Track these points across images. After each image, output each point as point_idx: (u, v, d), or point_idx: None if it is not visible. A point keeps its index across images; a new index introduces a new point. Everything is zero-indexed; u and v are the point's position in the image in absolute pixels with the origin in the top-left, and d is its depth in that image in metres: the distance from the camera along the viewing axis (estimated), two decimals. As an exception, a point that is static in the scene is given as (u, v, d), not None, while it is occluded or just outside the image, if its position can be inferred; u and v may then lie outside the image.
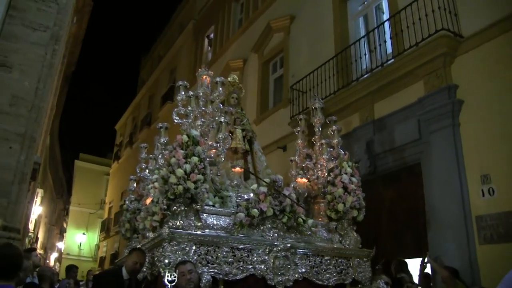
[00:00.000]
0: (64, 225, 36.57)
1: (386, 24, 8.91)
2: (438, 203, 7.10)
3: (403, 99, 8.05)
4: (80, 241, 33.64)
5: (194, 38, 21.38)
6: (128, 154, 27.89)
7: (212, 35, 19.99)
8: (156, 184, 6.18)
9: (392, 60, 8.41)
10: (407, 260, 6.81)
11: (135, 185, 7.84)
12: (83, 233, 33.18)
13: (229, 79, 7.44)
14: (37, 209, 20.84)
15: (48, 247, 31.62)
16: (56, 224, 34.90)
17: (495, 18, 6.83)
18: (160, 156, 6.54)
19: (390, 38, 8.57)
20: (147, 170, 7.42)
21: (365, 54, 9.14)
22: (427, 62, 7.57)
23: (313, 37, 11.65)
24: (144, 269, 5.19)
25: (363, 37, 9.49)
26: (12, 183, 6.44)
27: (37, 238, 23.23)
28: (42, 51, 7.64)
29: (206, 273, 4.55)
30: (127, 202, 7.40)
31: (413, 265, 6.88)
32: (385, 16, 9.75)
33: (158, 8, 64.47)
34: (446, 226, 6.88)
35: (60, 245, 34.68)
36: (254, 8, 15.80)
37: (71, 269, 9.31)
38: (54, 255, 33.36)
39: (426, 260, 6.50)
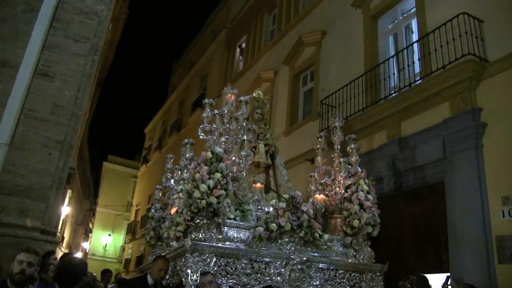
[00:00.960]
0: (90, 225, 37.10)
1: (415, 45, 9.21)
2: (459, 221, 7.36)
3: (429, 119, 8.32)
4: (105, 242, 34.06)
5: (226, 46, 21.77)
6: (156, 157, 28.28)
7: (244, 45, 20.37)
8: (180, 195, 6.49)
9: (420, 80, 8.69)
10: (428, 276, 7.04)
11: (160, 194, 8.08)
12: (109, 234, 33.53)
13: (253, 94, 7.72)
14: (65, 209, 21.31)
15: (73, 246, 32.08)
16: (82, 224, 35.39)
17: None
18: (185, 170, 6.84)
19: (419, 59, 8.87)
20: (172, 180, 7.69)
21: (394, 74, 9.44)
22: (453, 84, 7.86)
23: (343, 53, 11.97)
24: (167, 276, 5.46)
25: (393, 56, 9.80)
26: (50, 188, 6.62)
27: (63, 238, 23.68)
28: (83, 61, 7.84)
29: (225, 284, 4.82)
30: (152, 210, 7.68)
31: (434, 281, 7.13)
32: (415, 35, 10.05)
33: (191, 15, 65.39)
34: (467, 244, 7.13)
35: (85, 245, 35.19)
36: (287, 21, 16.16)
37: (106, 274, 9.66)
38: (79, 255, 33.79)
39: (449, 281, 6.72)
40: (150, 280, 5.17)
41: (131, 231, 29.43)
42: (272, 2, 17.90)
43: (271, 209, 5.75)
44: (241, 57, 20.66)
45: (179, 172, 7.53)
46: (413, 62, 8.98)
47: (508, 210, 6.78)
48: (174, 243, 6.00)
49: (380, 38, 11.06)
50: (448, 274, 6.76)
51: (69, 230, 27.68)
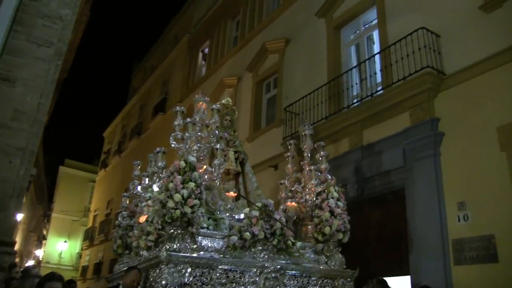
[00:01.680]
0: (44, 232, 35.92)
1: (377, 56, 9.58)
2: (419, 226, 7.74)
3: (390, 128, 8.68)
4: (61, 249, 32.95)
5: (189, 51, 21.76)
6: (116, 162, 27.92)
7: (206, 50, 20.38)
8: (149, 202, 6.47)
9: (381, 91, 9.07)
10: (391, 278, 7.30)
11: (127, 201, 7.90)
12: (65, 241, 32.51)
13: (223, 101, 7.73)
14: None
15: (25, 254, 30.99)
16: (35, 231, 34.31)
17: (474, 59, 7.56)
18: (156, 178, 6.79)
19: (380, 70, 9.24)
20: (139, 187, 7.58)
21: (356, 84, 9.79)
22: (413, 95, 8.25)
23: (307, 61, 12.26)
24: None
25: (355, 66, 10.16)
26: (10, 197, 6.54)
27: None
28: (46, 66, 7.75)
29: None
30: (119, 218, 7.52)
31: (396, 284, 7.47)
32: (376, 46, 10.43)
33: (154, 18, 64.79)
34: (426, 248, 7.51)
35: (39, 252, 34.01)
36: (250, 27, 16.34)
37: (70, 284, 9.44)
38: (30, 263, 32.55)
39: None
40: None
41: (89, 237, 28.76)
42: (236, 9, 18.05)
43: (242, 216, 5.79)
44: (203, 62, 20.70)
45: (147, 179, 7.47)
46: (375, 73, 9.35)
47: (463, 215, 7.20)
48: (145, 253, 5.94)
49: (343, 48, 11.41)
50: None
51: (21, 237, 26.72)
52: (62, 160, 36.82)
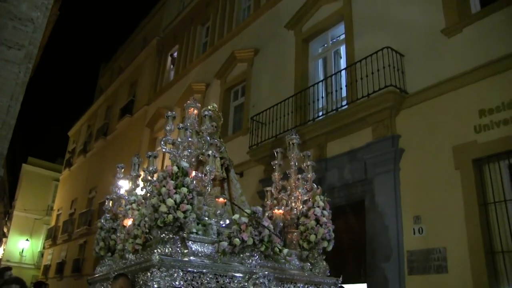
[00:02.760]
0: (5, 230, 35.35)
1: (343, 71, 9.92)
2: (376, 237, 8.10)
3: (353, 142, 9.03)
4: (22, 247, 32.55)
5: (157, 55, 21.77)
6: (81, 162, 27.71)
7: (175, 54, 20.44)
8: (134, 206, 6.55)
9: (346, 106, 9.40)
10: (350, 286, 7.65)
11: (110, 204, 7.81)
12: (27, 239, 32.20)
13: (208, 107, 7.56)
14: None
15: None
16: (-6, 228, 33.74)
17: (435, 80, 8.00)
18: (146, 183, 6.69)
19: (346, 86, 9.57)
20: (122, 190, 7.54)
21: (322, 97, 10.10)
22: (376, 112, 8.61)
23: (275, 72, 12.53)
24: None
25: (322, 81, 10.48)
26: None
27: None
28: (16, 69, 7.54)
29: None
30: (102, 220, 7.49)
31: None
32: (343, 61, 10.78)
33: (122, 19, 64.10)
34: (382, 257, 7.87)
35: (-2, 250, 33.57)
36: (220, 35, 16.53)
37: (41, 286, 9.33)
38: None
39: None
40: None
41: (52, 236, 28.50)
42: (206, 15, 18.21)
43: (227, 222, 5.87)
44: (172, 66, 20.73)
45: (129, 182, 7.46)
46: (341, 88, 9.68)
47: (419, 228, 7.61)
48: (131, 256, 5.93)
49: (310, 60, 11.72)
50: None
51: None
52: (25, 158, 36.26)
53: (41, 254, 31.78)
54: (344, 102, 9.66)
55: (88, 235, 22.68)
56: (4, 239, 33.92)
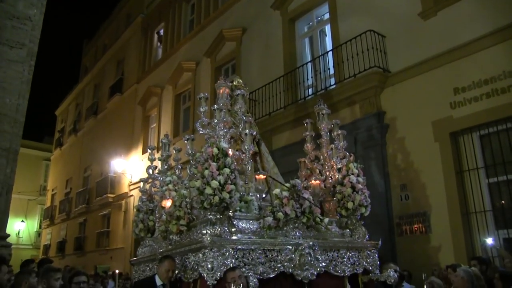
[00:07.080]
0: (0, 213, 35.44)
1: (330, 52, 10.65)
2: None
3: (343, 119, 9.76)
4: (18, 228, 32.26)
5: (143, 32, 21.83)
6: (72, 141, 27.92)
7: (162, 32, 20.58)
8: (170, 186, 6.64)
9: (334, 85, 10.18)
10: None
11: (147, 186, 7.87)
12: (22, 221, 32.41)
13: (234, 83, 7.50)
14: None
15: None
16: (-13, 212, 33.68)
17: (414, 60, 8.81)
18: (191, 166, 6.25)
19: (333, 66, 10.32)
20: (156, 171, 7.61)
21: (312, 77, 10.85)
22: (362, 91, 9.44)
23: (264, 51, 13.11)
24: (176, 272, 5.53)
25: (310, 61, 11.19)
26: (0, 195, 6.83)
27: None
28: (20, 68, 7.82)
29: (252, 276, 4.97)
30: (139, 202, 7.68)
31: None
32: (328, 39, 11.45)
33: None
34: (375, 223, 8.76)
35: (-7, 233, 33.61)
36: (206, 13, 16.88)
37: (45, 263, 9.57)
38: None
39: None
40: (158, 281, 5.31)
41: (49, 216, 28.62)
42: (190, -9, 18.36)
43: (264, 196, 6.03)
44: (159, 44, 20.91)
45: (163, 162, 7.50)
46: (328, 68, 10.43)
47: (405, 195, 8.61)
48: (175, 237, 6.03)
49: (297, 40, 12.37)
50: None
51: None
52: (12, 139, 35.88)
53: (38, 234, 32.07)
54: (332, 81, 10.42)
55: (87, 213, 23.19)
56: (-1, 222, 34.05)
